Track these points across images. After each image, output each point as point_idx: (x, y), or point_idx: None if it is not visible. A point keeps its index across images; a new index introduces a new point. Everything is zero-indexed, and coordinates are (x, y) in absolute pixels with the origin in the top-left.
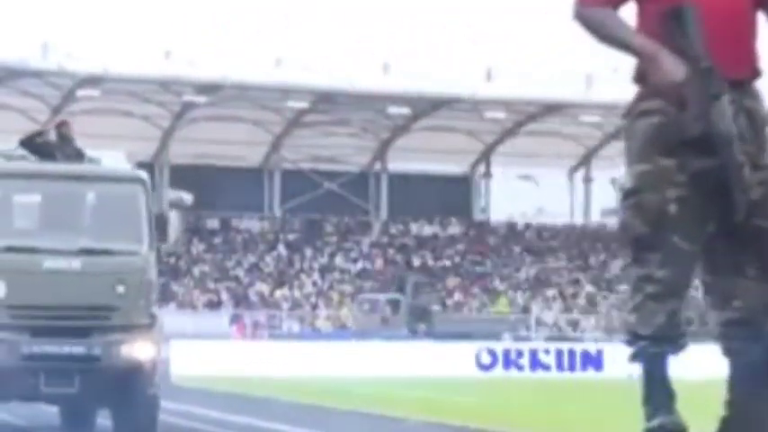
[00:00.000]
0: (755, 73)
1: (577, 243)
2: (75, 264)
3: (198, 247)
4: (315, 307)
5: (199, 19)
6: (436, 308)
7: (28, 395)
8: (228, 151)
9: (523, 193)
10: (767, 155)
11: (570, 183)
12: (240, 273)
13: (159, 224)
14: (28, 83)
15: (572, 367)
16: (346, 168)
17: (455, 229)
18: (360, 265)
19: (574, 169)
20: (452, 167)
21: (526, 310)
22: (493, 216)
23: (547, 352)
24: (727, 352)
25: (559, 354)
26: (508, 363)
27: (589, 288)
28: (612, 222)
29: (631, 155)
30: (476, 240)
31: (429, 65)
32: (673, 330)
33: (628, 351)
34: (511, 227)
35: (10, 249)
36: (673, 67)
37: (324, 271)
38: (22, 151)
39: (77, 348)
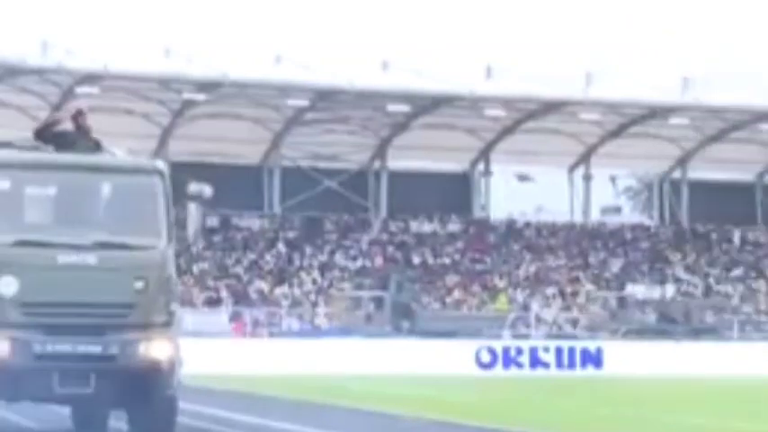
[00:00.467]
0: None
1: (577, 241)
2: (91, 259)
3: (197, 245)
4: (315, 305)
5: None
6: (421, 304)
7: (41, 396)
8: (228, 149)
9: (523, 190)
10: None
11: (570, 180)
12: (240, 270)
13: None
14: (27, 80)
15: (572, 365)
16: (346, 166)
17: (455, 226)
18: (359, 262)
19: (573, 167)
20: (452, 165)
21: (526, 307)
22: (492, 214)
23: (546, 350)
24: None
25: (559, 351)
26: (508, 361)
27: (589, 286)
28: (612, 220)
29: None
30: (475, 238)
31: (428, 62)
32: None
33: (628, 349)
34: (510, 224)
35: (22, 243)
36: None
37: (323, 269)
38: (35, 141)
39: (93, 347)
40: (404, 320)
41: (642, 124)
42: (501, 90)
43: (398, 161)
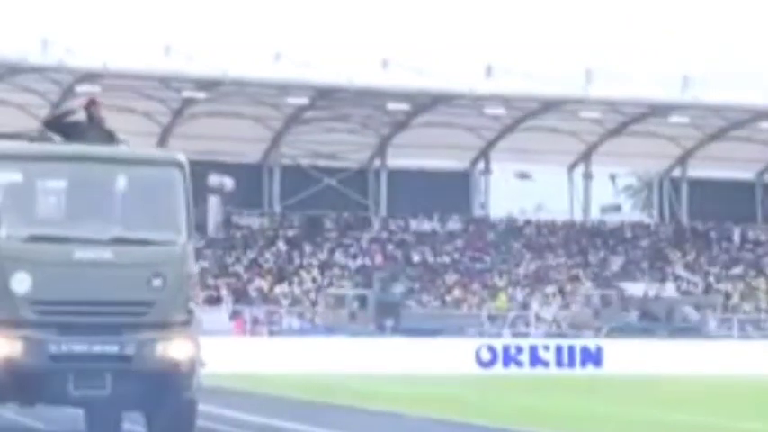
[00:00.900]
0: None
1: (577, 239)
2: (107, 254)
3: (197, 243)
4: (314, 303)
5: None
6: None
7: (55, 398)
8: (228, 147)
9: (523, 189)
10: None
11: (570, 179)
12: (240, 269)
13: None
14: (28, 78)
15: (571, 363)
16: (346, 164)
17: (454, 225)
18: (359, 261)
19: (573, 165)
20: (452, 163)
21: (525, 306)
22: (492, 212)
23: (546, 348)
24: None
25: (559, 350)
26: (508, 359)
27: (588, 284)
28: (612, 219)
29: None
30: (475, 236)
31: (428, 61)
32: None
33: (628, 348)
34: (510, 223)
35: (35, 239)
36: None
37: (323, 267)
38: (47, 132)
39: (109, 347)
40: (388, 319)
41: (642, 123)
42: (501, 88)
43: (398, 159)
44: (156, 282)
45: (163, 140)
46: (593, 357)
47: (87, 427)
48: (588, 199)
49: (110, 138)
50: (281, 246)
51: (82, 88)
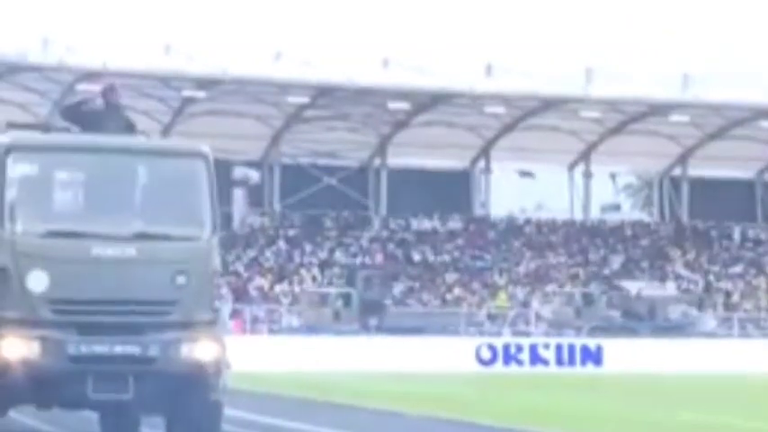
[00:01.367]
0: None
1: (577, 238)
2: (129, 251)
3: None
4: (315, 303)
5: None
6: (388, 302)
7: (74, 402)
8: (228, 146)
9: (523, 188)
10: None
11: (570, 178)
12: (240, 267)
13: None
14: (28, 77)
15: (572, 362)
16: (346, 163)
17: (455, 224)
18: (359, 260)
19: (573, 164)
20: (452, 162)
21: (526, 304)
22: (492, 211)
23: (547, 347)
24: None
25: (559, 348)
26: (508, 358)
27: (589, 283)
28: (612, 218)
29: None
30: (475, 235)
31: (429, 60)
32: None
33: (628, 347)
34: (510, 222)
35: (52, 234)
36: None
37: (323, 266)
38: (63, 121)
39: (131, 348)
40: (372, 317)
41: (642, 121)
42: (501, 87)
43: (398, 158)
44: (180, 279)
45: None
46: (594, 356)
47: (102, 430)
48: (588, 198)
49: (129, 127)
50: (282, 244)
51: (82, 87)
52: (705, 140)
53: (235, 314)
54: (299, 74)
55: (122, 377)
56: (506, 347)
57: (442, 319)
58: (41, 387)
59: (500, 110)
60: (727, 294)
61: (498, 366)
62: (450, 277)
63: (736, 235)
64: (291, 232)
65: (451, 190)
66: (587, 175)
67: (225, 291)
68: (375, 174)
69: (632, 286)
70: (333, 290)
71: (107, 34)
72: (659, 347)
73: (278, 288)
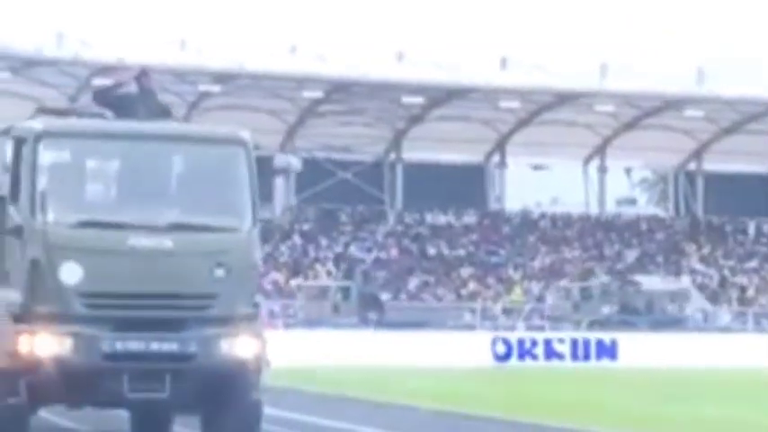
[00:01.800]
0: None
1: (592, 232)
2: (166, 242)
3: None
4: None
5: (213, 8)
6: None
7: (108, 401)
8: None
9: (538, 182)
10: None
11: (585, 172)
12: None
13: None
14: (43, 72)
15: (586, 357)
16: (361, 158)
17: (470, 218)
18: (374, 254)
19: (588, 159)
20: (467, 157)
21: (540, 299)
22: (507, 205)
23: (561, 341)
24: None
25: (574, 343)
26: (523, 352)
27: (603, 278)
28: (627, 212)
29: None
30: (490, 230)
31: (443, 54)
32: None
33: (643, 341)
34: (525, 216)
35: (85, 225)
36: None
37: (338, 260)
38: (96, 107)
39: (168, 345)
40: (371, 312)
41: (657, 116)
42: (516, 82)
43: (413, 153)
44: (219, 272)
45: None
46: (609, 351)
47: (133, 428)
48: (603, 192)
49: (164, 112)
50: (297, 239)
51: (98, 82)
52: (720, 135)
53: None
54: (314, 68)
55: (159, 375)
56: (521, 342)
57: (443, 313)
58: (74, 386)
59: (515, 104)
60: (742, 289)
61: (513, 361)
62: (466, 272)
63: (751, 229)
64: (306, 226)
65: (466, 184)
66: (602, 170)
67: None
68: (390, 168)
69: (647, 281)
70: (332, 283)
71: (122, 29)
72: (673, 342)
73: (293, 282)
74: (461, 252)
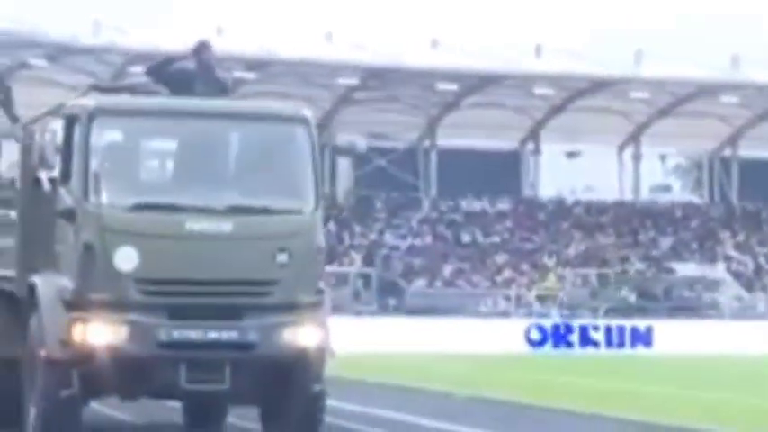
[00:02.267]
0: None
1: (626, 219)
2: (225, 226)
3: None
4: (365, 285)
5: None
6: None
7: (164, 392)
8: None
9: (572, 169)
10: None
11: (619, 159)
12: None
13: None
14: (79, 60)
15: (621, 344)
16: (395, 145)
17: (504, 205)
18: (409, 241)
19: (623, 146)
20: (501, 144)
21: (575, 286)
22: (542, 192)
23: (596, 328)
24: None
25: (608, 330)
26: (558, 339)
27: (638, 265)
28: (662, 199)
29: None
30: (525, 216)
31: (478, 41)
32: None
33: (678, 328)
34: (560, 203)
35: (141, 207)
36: None
37: (373, 248)
38: (150, 82)
39: (228, 333)
40: (390, 298)
41: (692, 102)
42: (550, 68)
43: (448, 140)
44: (282, 257)
45: None
46: (644, 338)
47: (186, 420)
48: (638, 179)
49: (223, 89)
50: (331, 226)
51: (134, 69)
52: (755, 121)
53: None
54: (348, 56)
55: (218, 365)
56: (556, 329)
57: (463, 299)
58: (129, 376)
59: (549, 91)
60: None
61: (548, 348)
62: (500, 258)
63: None
64: (341, 214)
65: (501, 171)
66: (637, 157)
67: None
68: (425, 155)
69: (682, 268)
70: (352, 269)
71: (157, 16)
72: (708, 329)
73: (327, 270)
74: (496, 239)
